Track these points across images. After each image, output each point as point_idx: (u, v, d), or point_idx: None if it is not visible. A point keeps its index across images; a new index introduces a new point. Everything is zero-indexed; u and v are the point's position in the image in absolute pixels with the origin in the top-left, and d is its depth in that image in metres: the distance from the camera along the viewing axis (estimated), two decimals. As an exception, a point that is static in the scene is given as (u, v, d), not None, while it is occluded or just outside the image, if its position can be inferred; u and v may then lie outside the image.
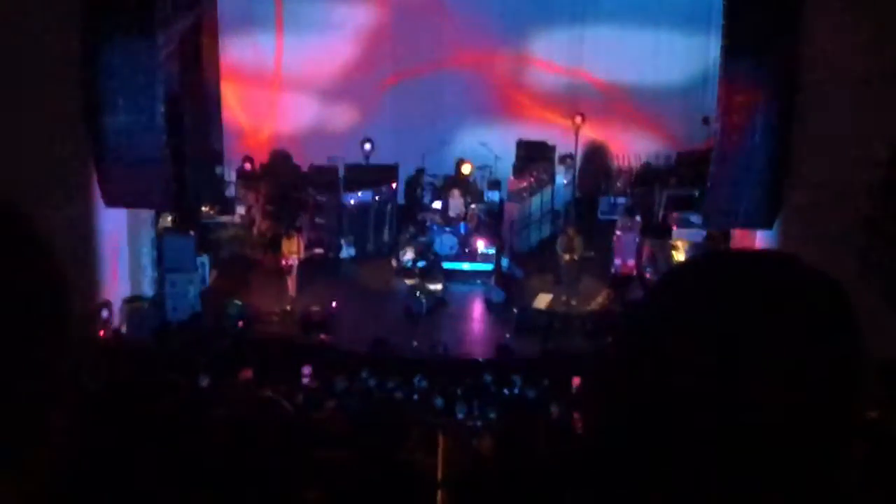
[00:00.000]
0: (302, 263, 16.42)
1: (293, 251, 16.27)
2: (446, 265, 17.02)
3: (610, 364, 1.30)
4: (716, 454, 1.20)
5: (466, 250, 17.28)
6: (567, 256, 16.49)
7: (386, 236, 17.70)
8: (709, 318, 1.25)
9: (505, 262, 17.02)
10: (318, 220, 17.58)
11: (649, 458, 1.23)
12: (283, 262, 16.23)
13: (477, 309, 16.38)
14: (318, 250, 17.16)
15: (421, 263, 16.87)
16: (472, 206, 17.79)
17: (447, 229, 17.33)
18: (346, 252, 17.50)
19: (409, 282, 16.49)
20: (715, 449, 1.19)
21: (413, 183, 18.69)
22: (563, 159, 18.50)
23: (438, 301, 16.25)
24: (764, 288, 1.27)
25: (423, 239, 17.17)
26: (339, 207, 17.59)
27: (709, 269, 1.33)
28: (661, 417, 1.22)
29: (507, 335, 15.17)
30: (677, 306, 1.29)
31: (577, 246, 16.54)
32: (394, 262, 17.19)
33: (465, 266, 17.17)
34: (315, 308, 15.58)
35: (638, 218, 17.18)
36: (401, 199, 18.38)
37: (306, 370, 13.05)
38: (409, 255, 16.86)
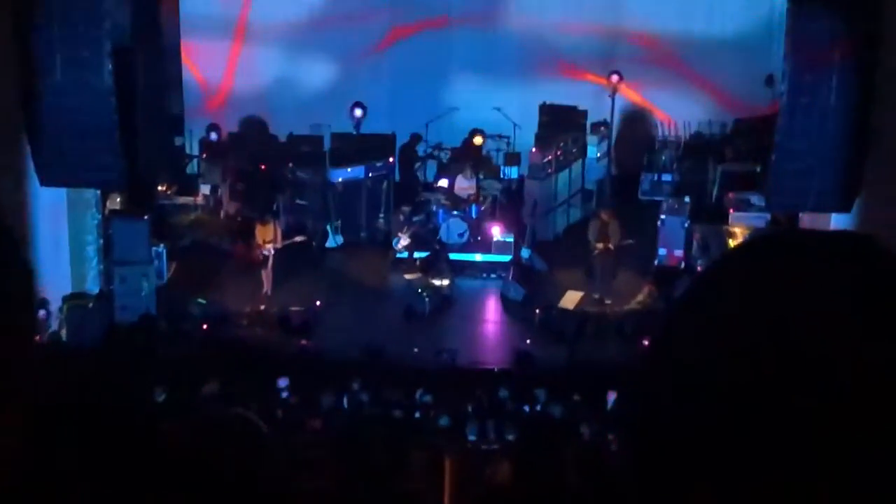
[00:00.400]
0: (280, 254, 16.44)
1: (269, 239, 16.28)
2: (454, 256, 17.03)
3: (650, 374, 1.30)
4: (773, 486, 1.21)
5: (478, 238, 17.29)
6: (601, 245, 16.48)
7: (381, 221, 17.79)
8: (768, 315, 1.24)
9: (525, 252, 17.00)
10: (298, 201, 17.58)
11: (697, 487, 1.24)
12: (257, 253, 16.29)
13: (491, 309, 16.50)
14: (299, 238, 16.94)
15: (423, 254, 16.88)
16: (486, 184, 17.80)
17: (455, 213, 17.28)
18: (333, 240, 17.55)
19: (409, 276, 16.56)
20: (773, 481, 1.21)
21: (409, 153, 18.75)
22: (595, 127, 18.43)
23: (445, 299, 16.32)
24: (836, 277, 1.25)
25: (417, 219, 17.25)
26: (324, 186, 17.59)
27: (767, 256, 1.31)
28: (711, 440, 1.23)
29: (528, 340, 15.28)
30: (729, 301, 1.28)
31: (612, 233, 16.49)
32: (391, 254, 17.32)
33: (477, 257, 17.25)
34: (295, 308, 15.69)
35: (687, 199, 17.18)
36: (398, 176, 18.57)
37: (284, 383, 13.23)
38: (403, 242, 16.93)
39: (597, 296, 16.19)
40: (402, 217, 17.35)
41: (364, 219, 17.94)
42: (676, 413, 1.26)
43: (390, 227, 17.63)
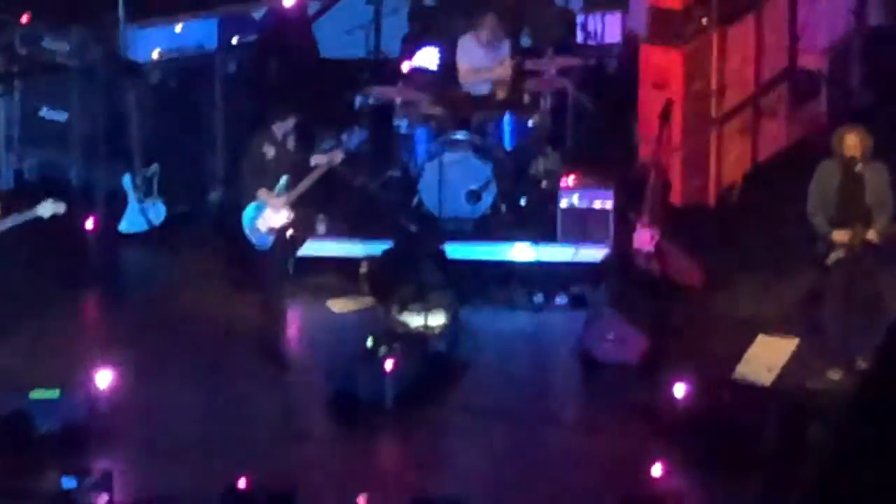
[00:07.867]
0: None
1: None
2: (456, 252, 12.65)
3: None
4: None
5: (521, 202, 13.08)
6: (845, 236, 11.29)
7: (268, 162, 13.30)
8: None
9: (644, 235, 12.59)
10: (45, 114, 14.08)
11: None
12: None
13: (559, 387, 12.32)
14: (50, 209, 12.31)
15: (374, 248, 13.02)
16: (537, 59, 13.48)
17: (458, 137, 12.71)
18: (142, 215, 13.75)
19: (344, 307, 12.65)
20: None
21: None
22: None
23: (434, 363, 11.82)
24: None
25: (350, 139, 13.91)
26: (114, 73, 13.64)
27: None
28: None
29: (660, 466, 10.85)
30: None
31: (875, 198, 11.15)
32: (292, 250, 13.26)
33: (518, 252, 12.88)
34: (43, 394, 11.81)
35: None
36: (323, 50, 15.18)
37: None
38: (321, 226, 13.62)
39: (836, 360, 11.64)
40: (325, 149, 12.90)
41: (221, 159, 13.96)
42: None
43: (291, 176, 13.01)
